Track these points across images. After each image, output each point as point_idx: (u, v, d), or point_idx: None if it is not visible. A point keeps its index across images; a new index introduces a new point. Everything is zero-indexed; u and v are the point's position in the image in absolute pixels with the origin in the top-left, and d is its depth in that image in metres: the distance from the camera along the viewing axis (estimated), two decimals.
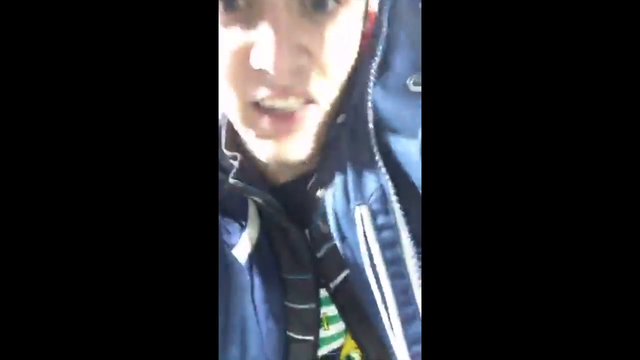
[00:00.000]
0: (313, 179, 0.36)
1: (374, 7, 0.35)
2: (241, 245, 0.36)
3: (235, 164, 0.37)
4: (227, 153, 0.38)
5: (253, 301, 0.36)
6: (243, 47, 0.29)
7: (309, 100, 0.32)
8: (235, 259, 0.36)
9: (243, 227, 0.37)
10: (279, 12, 0.28)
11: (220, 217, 0.37)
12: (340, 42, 0.31)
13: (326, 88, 0.32)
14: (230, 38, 0.30)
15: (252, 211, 0.37)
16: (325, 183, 0.35)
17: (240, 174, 0.36)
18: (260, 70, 0.29)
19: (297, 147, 0.33)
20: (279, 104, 0.31)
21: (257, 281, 0.36)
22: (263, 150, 0.33)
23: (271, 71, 0.28)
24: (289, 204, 0.37)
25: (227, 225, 0.37)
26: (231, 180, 0.36)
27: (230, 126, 0.38)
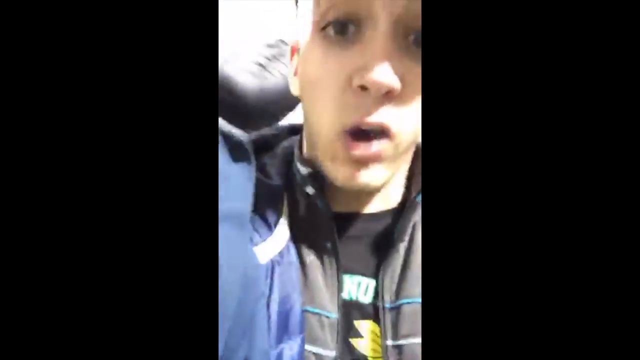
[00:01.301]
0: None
1: None
2: (266, 245, 0.36)
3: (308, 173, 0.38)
4: (303, 170, 0.38)
5: (268, 306, 0.34)
6: (347, 71, 0.31)
7: (386, 134, 0.33)
8: (255, 257, 0.35)
9: (271, 231, 0.37)
10: (387, 38, 0.30)
11: (251, 215, 0.36)
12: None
13: (405, 124, 0.33)
14: (333, 63, 0.32)
15: (285, 219, 0.38)
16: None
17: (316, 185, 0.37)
18: (361, 91, 0.31)
19: (374, 173, 0.34)
20: (370, 127, 0.32)
21: (275, 288, 0.35)
22: (340, 175, 0.34)
23: (377, 84, 0.30)
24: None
25: (257, 225, 0.37)
26: (309, 191, 0.37)
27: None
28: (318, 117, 0.35)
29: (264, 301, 0.34)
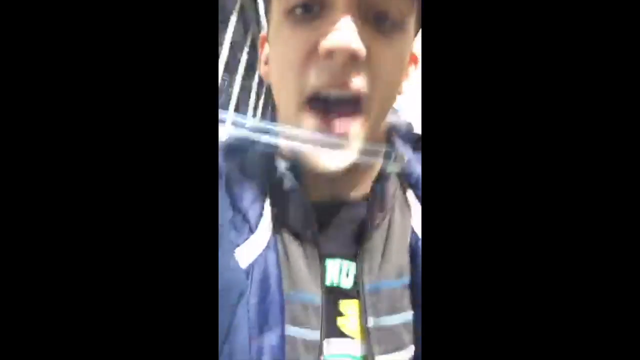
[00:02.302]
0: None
1: (416, 50, 0.39)
2: (246, 248, 0.36)
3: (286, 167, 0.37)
4: (281, 164, 0.38)
5: (247, 302, 0.35)
6: (313, 40, 0.32)
7: (355, 110, 0.33)
8: (235, 261, 0.35)
9: (251, 231, 0.37)
10: (349, 8, 0.31)
11: (230, 210, 0.37)
12: (392, 60, 0.33)
13: (373, 97, 0.33)
14: (300, 36, 0.32)
15: (266, 220, 0.38)
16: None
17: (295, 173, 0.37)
18: (326, 58, 0.31)
19: (340, 155, 0.33)
20: (340, 93, 0.32)
21: (255, 287, 0.35)
22: (307, 155, 0.34)
23: (345, 45, 0.30)
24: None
25: (236, 221, 0.37)
26: (287, 183, 0.36)
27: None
28: (286, 89, 0.35)
29: (243, 301, 0.34)
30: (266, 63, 0.41)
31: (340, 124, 0.33)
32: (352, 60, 0.31)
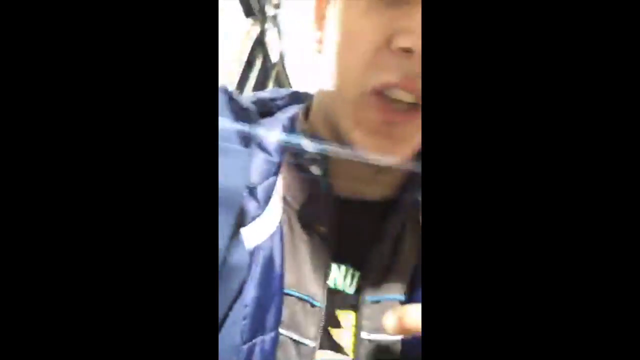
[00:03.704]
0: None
1: None
2: (252, 229, 0.33)
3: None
4: (308, 145, 0.35)
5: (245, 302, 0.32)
6: (388, 32, 0.29)
7: (416, 117, 0.30)
8: (241, 242, 0.32)
9: (260, 211, 0.34)
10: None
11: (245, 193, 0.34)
12: None
13: None
14: (373, 23, 0.29)
15: (276, 199, 0.35)
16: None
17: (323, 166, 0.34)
18: (401, 54, 0.28)
19: (399, 149, 0.32)
20: (405, 96, 0.30)
21: (255, 280, 0.32)
22: (365, 143, 0.32)
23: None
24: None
25: (247, 203, 0.33)
26: (314, 171, 0.34)
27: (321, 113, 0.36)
28: (349, 76, 0.31)
29: (242, 294, 0.31)
30: (322, 21, 0.36)
31: (400, 127, 0.31)
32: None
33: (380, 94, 0.30)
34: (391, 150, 0.31)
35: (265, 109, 0.39)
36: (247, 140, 0.35)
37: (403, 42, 0.28)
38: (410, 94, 0.30)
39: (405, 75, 0.29)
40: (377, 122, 0.31)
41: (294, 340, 0.33)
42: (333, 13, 0.33)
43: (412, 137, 0.31)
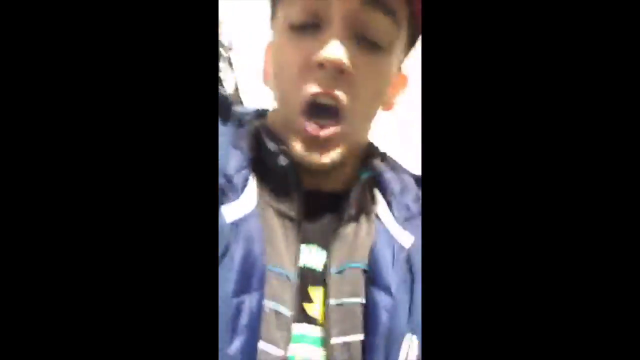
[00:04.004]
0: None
1: (406, 71, 0.47)
2: (231, 207, 0.38)
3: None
4: (271, 145, 0.42)
5: (232, 260, 0.36)
6: (309, 54, 0.38)
7: (338, 117, 0.39)
8: (222, 215, 0.37)
9: (238, 195, 0.40)
10: (341, 29, 0.38)
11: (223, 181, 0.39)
12: (374, 76, 0.40)
13: (354, 108, 0.39)
14: (299, 49, 0.39)
15: (251, 190, 0.41)
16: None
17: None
18: (318, 69, 0.37)
19: (325, 158, 0.40)
20: (328, 101, 0.38)
21: (239, 244, 0.37)
22: (302, 152, 0.40)
23: (330, 59, 0.36)
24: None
25: (221, 184, 0.39)
26: (282, 161, 0.41)
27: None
28: (282, 94, 0.42)
29: (228, 255, 0.36)
30: (267, 70, 0.46)
31: (327, 129, 0.39)
32: (338, 73, 0.37)
33: (313, 104, 0.38)
34: (319, 159, 0.40)
35: (239, 122, 0.47)
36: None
37: (315, 57, 0.37)
38: (332, 99, 0.38)
39: (323, 84, 0.38)
40: (310, 135, 0.39)
41: (274, 310, 0.38)
42: (272, 53, 0.44)
43: (335, 146, 0.40)
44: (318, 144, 0.39)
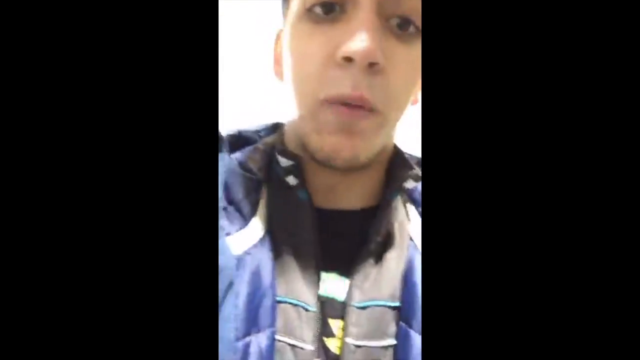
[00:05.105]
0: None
1: None
2: (238, 237, 0.35)
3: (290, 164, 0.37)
4: (283, 161, 0.38)
5: (237, 297, 0.33)
6: (332, 44, 0.32)
7: (367, 108, 0.33)
8: (227, 248, 0.34)
9: (246, 222, 0.36)
10: (369, 14, 0.31)
11: (224, 202, 0.36)
12: (409, 69, 0.33)
13: (390, 103, 0.33)
14: (319, 38, 0.33)
15: (261, 216, 0.37)
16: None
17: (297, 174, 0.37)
18: (345, 63, 0.31)
19: (358, 148, 0.33)
20: (350, 101, 0.32)
21: (245, 279, 0.33)
22: (325, 143, 0.34)
23: (360, 53, 0.30)
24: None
25: (229, 211, 0.36)
26: (291, 181, 0.37)
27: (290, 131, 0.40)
28: (303, 91, 0.35)
29: (232, 292, 0.33)
30: (278, 62, 0.40)
31: (357, 122, 0.33)
32: (369, 69, 0.31)
33: (335, 102, 0.33)
34: (351, 147, 0.33)
35: (248, 141, 0.43)
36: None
37: (342, 51, 0.31)
38: (361, 101, 0.32)
39: (350, 84, 0.32)
40: (334, 123, 0.33)
41: (292, 345, 0.33)
42: (285, 43, 0.37)
43: (370, 135, 0.34)
44: (350, 133, 0.33)
